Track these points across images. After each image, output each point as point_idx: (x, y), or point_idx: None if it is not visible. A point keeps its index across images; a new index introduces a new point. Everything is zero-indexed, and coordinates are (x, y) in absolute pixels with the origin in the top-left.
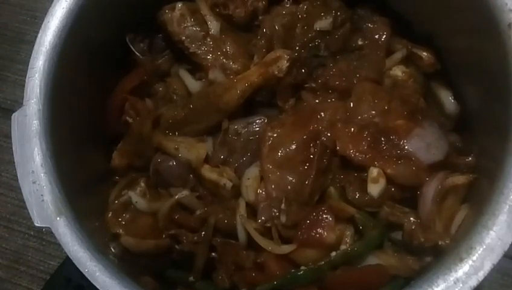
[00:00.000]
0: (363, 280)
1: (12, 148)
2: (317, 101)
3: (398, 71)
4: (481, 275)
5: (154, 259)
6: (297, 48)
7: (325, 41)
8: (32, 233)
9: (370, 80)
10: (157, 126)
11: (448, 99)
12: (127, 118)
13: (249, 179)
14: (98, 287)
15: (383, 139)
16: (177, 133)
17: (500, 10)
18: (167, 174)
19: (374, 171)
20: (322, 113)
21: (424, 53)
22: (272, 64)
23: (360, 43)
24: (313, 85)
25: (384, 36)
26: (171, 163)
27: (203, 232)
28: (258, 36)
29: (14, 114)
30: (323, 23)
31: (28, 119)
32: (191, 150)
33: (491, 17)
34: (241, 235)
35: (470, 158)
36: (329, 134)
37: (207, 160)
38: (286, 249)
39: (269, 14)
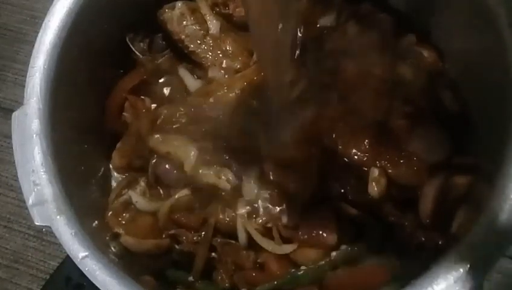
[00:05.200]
0: (364, 280)
1: (12, 148)
2: (323, 98)
3: (400, 70)
4: (481, 274)
5: (154, 259)
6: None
7: (329, 38)
8: (32, 233)
9: (378, 77)
10: (157, 125)
11: (449, 99)
12: (127, 117)
13: (249, 179)
14: (98, 286)
15: (384, 139)
16: (171, 133)
17: (500, 9)
18: (165, 177)
19: (375, 171)
20: (324, 112)
21: (426, 51)
22: None
23: (364, 40)
24: (317, 83)
25: (391, 32)
26: (167, 166)
27: (203, 232)
28: None
29: (14, 113)
30: (326, 20)
31: (28, 118)
32: (181, 155)
33: (491, 16)
34: (242, 235)
35: (471, 158)
36: (330, 133)
37: (206, 160)
38: (287, 249)
39: None
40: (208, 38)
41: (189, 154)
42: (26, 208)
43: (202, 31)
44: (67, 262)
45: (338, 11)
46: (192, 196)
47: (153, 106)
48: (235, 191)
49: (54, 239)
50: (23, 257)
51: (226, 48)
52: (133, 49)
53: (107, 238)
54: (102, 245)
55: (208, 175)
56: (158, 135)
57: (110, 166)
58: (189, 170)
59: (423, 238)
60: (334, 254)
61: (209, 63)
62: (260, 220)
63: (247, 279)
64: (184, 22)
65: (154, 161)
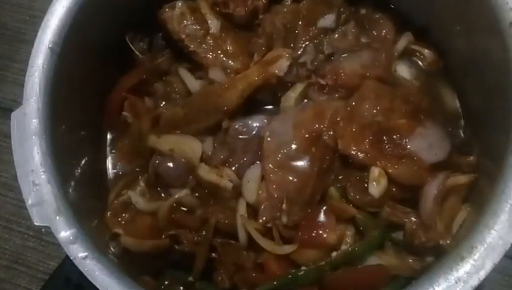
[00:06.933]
0: (364, 280)
1: (11, 148)
2: (324, 98)
3: (401, 70)
4: (482, 274)
5: (153, 259)
6: (299, 45)
7: (329, 38)
8: (31, 233)
9: (378, 77)
10: (157, 125)
11: (450, 98)
12: (126, 116)
13: (249, 179)
14: (97, 286)
15: (385, 138)
16: (173, 132)
17: (501, 9)
18: (166, 175)
19: (375, 171)
20: (324, 112)
21: (426, 50)
22: (272, 63)
23: (363, 40)
24: (321, 81)
25: (391, 32)
26: (169, 164)
27: (204, 233)
28: (258, 35)
29: (13, 113)
30: (326, 21)
31: (27, 118)
32: (186, 149)
33: (492, 15)
34: (242, 235)
35: (472, 158)
36: (331, 133)
37: (207, 160)
38: (287, 249)
39: (270, 13)
40: (208, 38)
41: (195, 148)
42: (26, 208)
43: (202, 31)
44: (67, 262)
45: (338, 12)
46: (192, 196)
47: (153, 105)
48: (236, 191)
49: (53, 239)
50: (22, 257)
51: (226, 48)
52: (133, 48)
53: (107, 238)
54: (101, 245)
55: (210, 174)
56: (159, 134)
57: (110, 166)
58: (197, 162)
59: (424, 238)
60: (334, 254)
61: (209, 63)
62: (261, 220)
63: (247, 279)
64: (184, 22)
65: (155, 159)
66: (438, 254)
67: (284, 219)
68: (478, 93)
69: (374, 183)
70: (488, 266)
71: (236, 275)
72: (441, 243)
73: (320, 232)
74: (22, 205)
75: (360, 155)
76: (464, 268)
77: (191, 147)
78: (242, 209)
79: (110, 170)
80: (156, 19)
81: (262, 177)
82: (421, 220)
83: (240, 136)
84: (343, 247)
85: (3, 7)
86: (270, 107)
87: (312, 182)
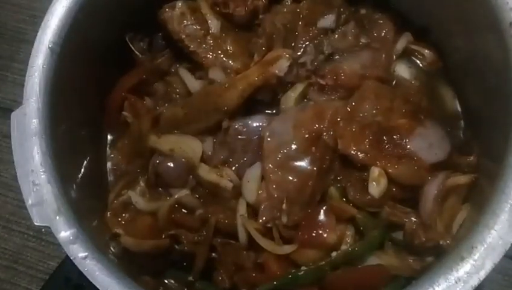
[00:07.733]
0: (364, 280)
1: (11, 148)
2: (324, 98)
3: (400, 70)
4: (482, 274)
5: (153, 259)
6: (299, 46)
7: (329, 38)
8: (31, 233)
9: (378, 78)
10: (157, 125)
11: (450, 98)
12: (126, 116)
13: (249, 179)
14: (97, 286)
15: (385, 138)
16: (173, 132)
17: (501, 9)
18: (166, 175)
19: (375, 171)
20: (324, 112)
21: (426, 50)
22: (272, 64)
23: (363, 41)
24: (321, 82)
25: (390, 32)
26: (169, 164)
27: (204, 233)
28: (258, 35)
29: (13, 113)
30: (326, 21)
31: (27, 118)
32: (186, 149)
33: (492, 15)
34: (242, 235)
35: (472, 158)
36: (331, 133)
37: (207, 160)
38: (287, 249)
39: (270, 13)
40: (209, 38)
41: (195, 148)
42: (26, 208)
43: (202, 31)
44: (67, 262)
45: (338, 13)
46: (192, 196)
47: (153, 105)
48: (236, 191)
49: (53, 239)
50: (22, 257)
51: (226, 48)
52: (133, 48)
53: (107, 238)
54: (101, 245)
55: (210, 174)
56: (159, 134)
57: (110, 166)
58: (197, 162)
59: (424, 238)
60: (334, 254)
61: (209, 63)
62: (261, 220)
63: (248, 279)
64: (184, 22)
65: (156, 159)
66: (438, 254)
67: (284, 219)
68: (478, 93)
69: (374, 183)
70: (488, 266)
71: (236, 275)
72: (441, 243)
73: (320, 232)
74: (22, 205)
75: (360, 155)
76: (464, 268)
77: (191, 147)
78: (242, 209)
79: (110, 170)
80: (156, 19)
81: (262, 177)
82: (421, 220)
83: (240, 136)
84: (343, 247)
85: (3, 7)
86: (271, 107)
87: (312, 182)
